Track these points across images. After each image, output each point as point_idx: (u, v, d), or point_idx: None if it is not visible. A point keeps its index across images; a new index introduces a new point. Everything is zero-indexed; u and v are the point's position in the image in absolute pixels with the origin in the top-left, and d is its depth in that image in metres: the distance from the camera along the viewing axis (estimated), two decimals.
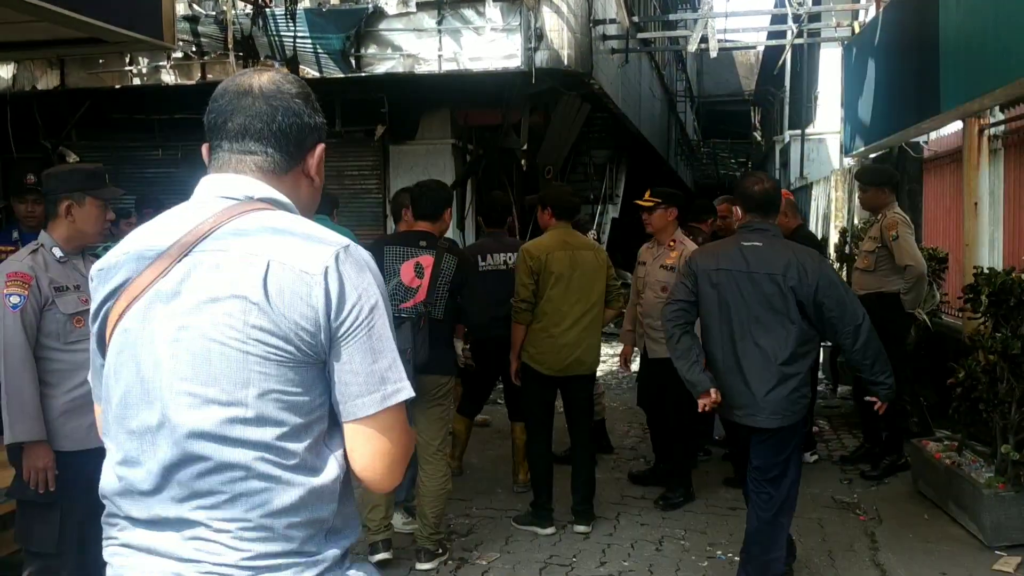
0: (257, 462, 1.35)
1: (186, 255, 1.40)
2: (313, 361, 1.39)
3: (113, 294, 1.45)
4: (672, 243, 5.35)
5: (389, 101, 10.91)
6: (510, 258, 5.49)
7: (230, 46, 9.76)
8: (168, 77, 10.04)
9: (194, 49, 9.86)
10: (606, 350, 9.21)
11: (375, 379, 1.40)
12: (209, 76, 9.94)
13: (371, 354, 1.40)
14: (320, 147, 1.59)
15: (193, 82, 9.88)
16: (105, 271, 1.49)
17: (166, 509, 1.38)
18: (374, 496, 4.08)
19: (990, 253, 6.62)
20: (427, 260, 4.20)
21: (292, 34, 9.91)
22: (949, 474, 4.67)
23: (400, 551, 4.44)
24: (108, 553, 1.46)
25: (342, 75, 10.10)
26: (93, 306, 1.51)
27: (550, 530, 4.83)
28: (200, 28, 9.84)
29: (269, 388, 1.35)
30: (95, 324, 1.50)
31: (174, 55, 9.59)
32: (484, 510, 5.25)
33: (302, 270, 1.37)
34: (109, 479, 1.45)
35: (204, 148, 1.56)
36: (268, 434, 1.35)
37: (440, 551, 4.35)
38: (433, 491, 4.30)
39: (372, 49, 10.25)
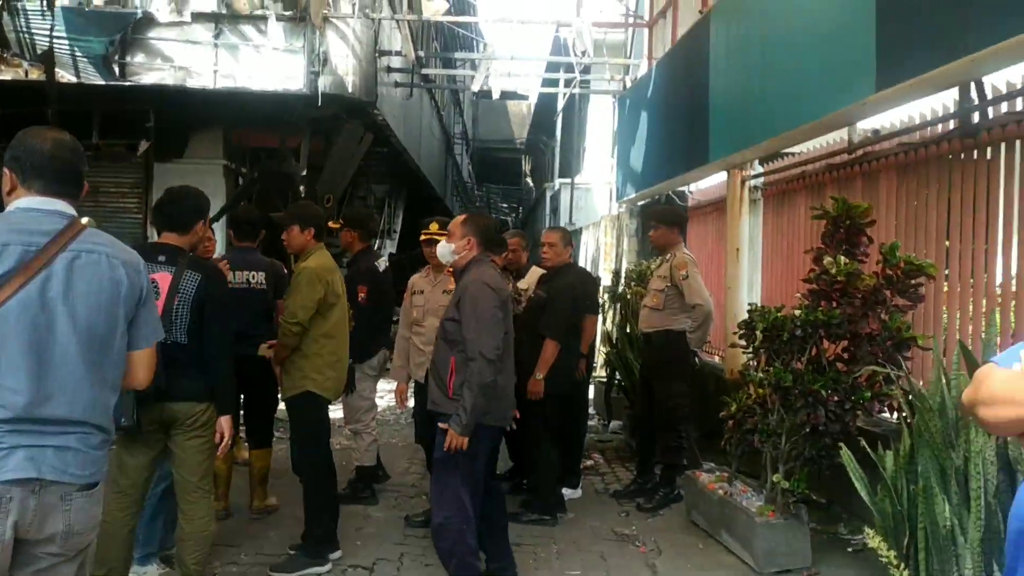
0: None
1: None
2: None
3: None
4: (451, 270, 5.31)
5: (156, 115, 10.13)
6: (253, 276, 5.26)
7: None
8: None
9: None
10: (382, 385, 8.95)
11: None
12: None
13: None
14: None
15: None
16: None
17: None
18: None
19: (750, 295, 7.14)
20: (164, 278, 3.71)
21: (47, 33, 8.93)
22: (722, 504, 4.87)
23: None
24: None
25: (103, 82, 9.25)
26: None
27: (327, 567, 4.53)
28: None
29: None
30: None
31: None
32: (254, 556, 4.80)
33: None
34: None
35: None
36: None
37: None
38: (194, 535, 3.82)
39: (139, 58, 9.49)
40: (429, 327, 5.24)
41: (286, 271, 5.76)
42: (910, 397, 3.74)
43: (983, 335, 3.10)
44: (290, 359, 4.63)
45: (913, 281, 4.08)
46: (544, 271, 5.92)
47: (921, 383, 4.25)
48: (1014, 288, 3.95)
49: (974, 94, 4.14)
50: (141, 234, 10.26)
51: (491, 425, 4.00)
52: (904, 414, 3.37)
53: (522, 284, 6.10)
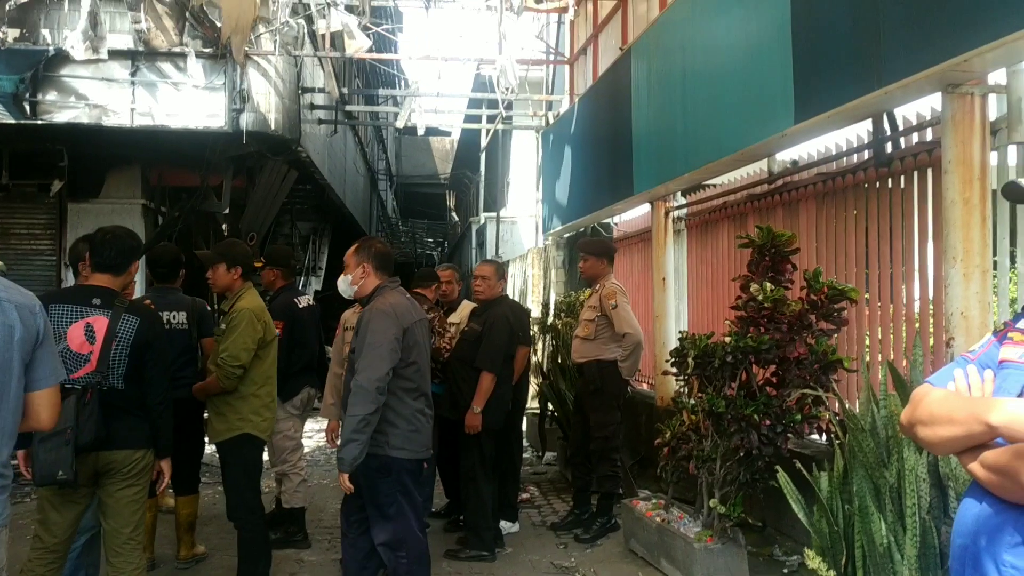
0: None
1: None
2: None
3: None
4: None
5: (70, 154, 9.84)
6: (174, 316, 5.07)
7: None
8: None
9: None
10: (311, 425, 8.79)
11: None
12: None
13: None
14: None
15: None
16: None
17: None
18: None
19: (678, 323, 7.26)
20: (100, 321, 3.60)
21: None
22: (661, 531, 4.90)
23: None
24: None
25: (13, 121, 8.94)
26: None
27: None
28: None
29: None
30: None
31: None
32: None
33: None
34: None
35: None
36: None
37: None
38: None
39: (52, 95, 9.22)
40: None
41: (210, 309, 5.63)
42: (840, 418, 3.85)
43: (910, 356, 3.21)
44: (223, 401, 4.50)
45: (836, 306, 4.21)
46: (476, 304, 5.91)
47: (848, 404, 4.38)
48: (931, 309, 4.12)
49: (887, 125, 4.33)
50: (55, 277, 9.91)
51: (408, 459, 3.86)
52: (835, 435, 3.46)
53: (453, 318, 6.08)
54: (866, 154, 4.61)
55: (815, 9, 4.18)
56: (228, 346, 4.40)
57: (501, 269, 6.01)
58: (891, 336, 4.42)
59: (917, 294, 4.23)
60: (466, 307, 6.15)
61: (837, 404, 3.89)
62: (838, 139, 4.87)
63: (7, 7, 8.84)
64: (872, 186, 4.58)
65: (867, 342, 4.66)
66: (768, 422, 4.21)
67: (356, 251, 4.06)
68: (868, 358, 4.56)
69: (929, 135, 4.10)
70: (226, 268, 4.62)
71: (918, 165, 4.19)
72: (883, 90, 3.59)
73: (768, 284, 4.26)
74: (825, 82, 4.05)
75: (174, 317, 5.10)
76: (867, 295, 4.60)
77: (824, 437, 4.55)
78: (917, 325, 4.20)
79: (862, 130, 4.62)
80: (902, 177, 4.31)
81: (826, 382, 4.15)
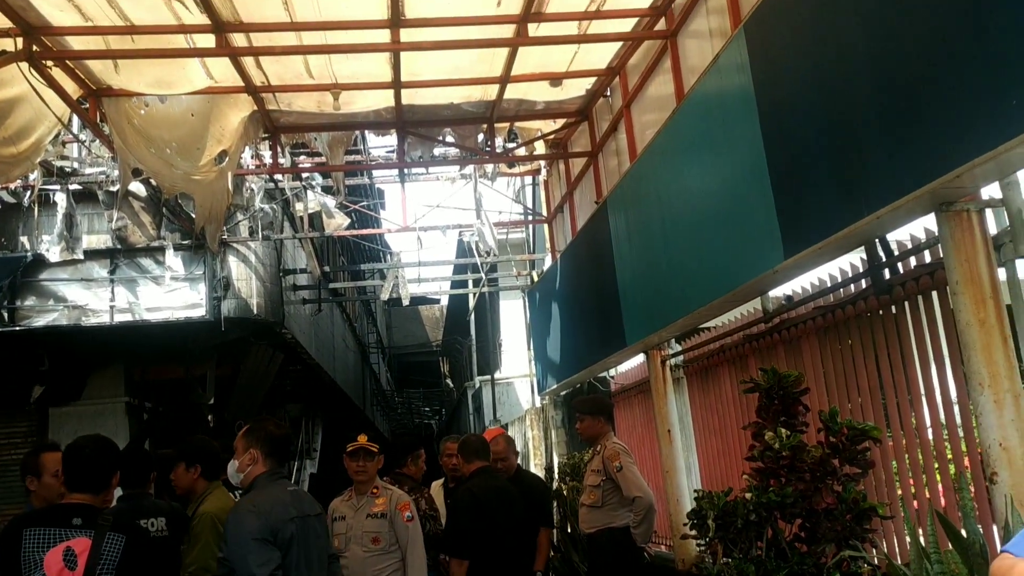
0: None
1: None
2: None
3: None
4: (376, 490, 4.90)
5: (50, 358, 9.64)
6: (152, 524, 4.48)
7: None
8: None
9: None
10: None
11: None
12: None
13: None
14: None
15: None
16: None
17: None
18: None
19: (688, 477, 6.85)
20: (82, 544, 3.23)
21: None
22: None
23: None
24: None
25: None
26: None
27: None
28: None
29: None
30: None
31: None
32: None
33: None
34: None
35: None
36: None
37: None
38: None
39: (30, 300, 9.13)
40: (352, 557, 4.73)
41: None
42: (881, 574, 3.46)
43: (948, 495, 2.88)
44: None
45: (859, 447, 3.89)
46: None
47: (887, 553, 3.98)
48: (951, 439, 3.80)
49: (881, 251, 4.16)
50: None
51: None
52: None
53: (437, 502, 5.71)
54: (863, 283, 4.42)
55: (789, 141, 4.09)
56: (195, 558, 3.99)
57: (512, 441, 5.70)
58: (923, 475, 4.06)
59: (943, 420, 3.91)
60: (435, 486, 5.86)
61: (887, 559, 3.51)
62: (832, 270, 4.70)
63: None
64: (875, 315, 4.36)
65: (897, 483, 4.30)
66: None
67: (244, 435, 3.73)
68: (900, 492, 4.20)
69: (927, 257, 3.92)
70: (184, 468, 4.30)
71: (921, 289, 3.99)
72: (873, 215, 3.43)
73: (783, 430, 3.95)
74: (811, 213, 3.91)
75: (152, 524, 4.64)
76: (889, 432, 4.27)
77: None
78: (950, 456, 3.87)
79: (855, 258, 4.45)
80: (906, 303, 4.09)
81: (861, 533, 3.77)
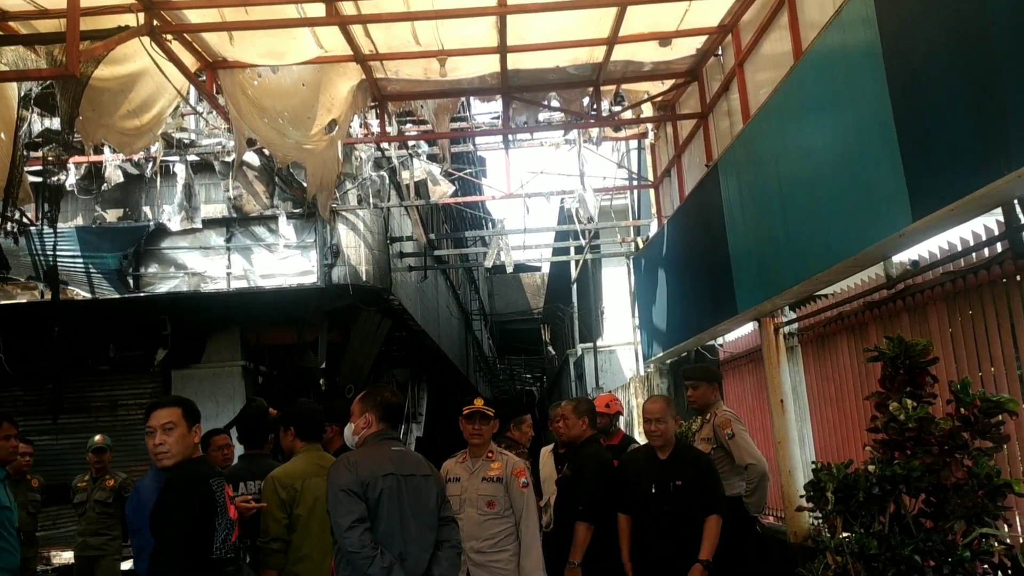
0: None
1: None
2: None
3: None
4: (491, 454, 4.87)
5: (172, 323, 10.09)
6: (260, 487, 4.49)
7: None
8: None
9: None
10: None
11: None
12: None
13: None
14: None
15: None
16: None
17: None
18: None
19: (801, 449, 6.65)
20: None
21: (66, 253, 9.01)
22: None
23: None
24: None
25: (118, 295, 9.25)
26: None
27: None
28: None
29: None
30: None
31: None
32: None
33: None
34: None
35: None
36: None
37: None
38: None
39: (153, 268, 9.55)
40: (467, 519, 4.71)
41: None
42: (1016, 553, 3.26)
43: None
44: None
45: (993, 420, 3.67)
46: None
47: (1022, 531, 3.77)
48: None
49: (1020, 212, 3.89)
50: None
51: None
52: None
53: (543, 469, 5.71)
54: (999, 246, 4.15)
55: (919, 97, 3.85)
56: (260, 521, 4.06)
57: (582, 406, 5.55)
58: None
59: None
60: (544, 453, 5.82)
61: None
62: (962, 233, 4.42)
63: (103, 189, 9.29)
64: (1012, 280, 4.09)
65: None
66: (932, 563, 3.61)
67: (361, 400, 3.84)
68: None
69: None
70: (283, 430, 4.41)
71: None
72: (1015, 173, 3.20)
73: (909, 401, 3.76)
74: (944, 172, 3.67)
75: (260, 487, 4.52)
76: None
77: None
78: None
79: (989, 221, 4.17)
80: None
81: (995, 511, 3.56)
